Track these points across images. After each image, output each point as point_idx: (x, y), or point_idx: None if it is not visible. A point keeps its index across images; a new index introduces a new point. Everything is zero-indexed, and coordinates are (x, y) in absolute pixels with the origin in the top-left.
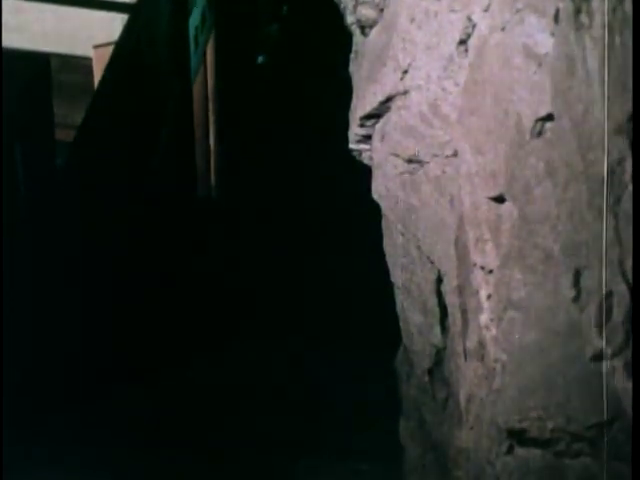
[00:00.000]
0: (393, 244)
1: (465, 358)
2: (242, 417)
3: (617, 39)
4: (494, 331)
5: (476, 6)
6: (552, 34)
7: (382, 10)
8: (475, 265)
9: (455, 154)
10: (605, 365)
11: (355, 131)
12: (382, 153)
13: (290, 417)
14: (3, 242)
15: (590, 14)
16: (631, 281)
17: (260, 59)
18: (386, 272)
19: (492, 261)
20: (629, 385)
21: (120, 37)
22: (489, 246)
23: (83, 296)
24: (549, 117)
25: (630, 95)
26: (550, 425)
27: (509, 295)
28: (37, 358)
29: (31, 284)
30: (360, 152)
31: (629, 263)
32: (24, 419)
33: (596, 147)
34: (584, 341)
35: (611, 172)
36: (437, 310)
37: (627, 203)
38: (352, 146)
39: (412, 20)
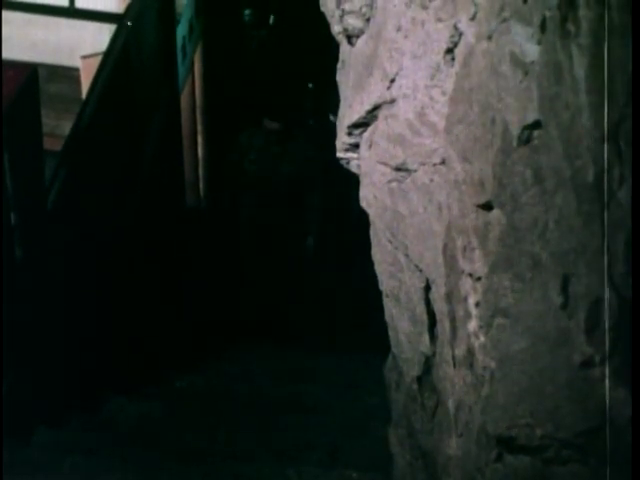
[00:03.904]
0: (381, 252)
1: (454, 365)
2: (231, 425)
3: (604, 47)
4: (483, 338)
5: (462, 15)
6: (539, 42)
7: (368, 19)
8: (463, 272)
9: (443, 162)
10: (594, 372)
11: (343, 140)
12: (370, 161)
13: (279, 424)
14: None
15: (576, 22)
16: (619, 287)
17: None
18: (375, 280)
19: (480, 268)
20: (618, 391)
21: (108, 47)
22: (477, 253)
23: (70, 305)
24: (536, 124)
25: (618, 102)
26: (539, 432)
27: (497, 302)
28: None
29: (19, 293)
30: (348, 160)
31: (617, 269)
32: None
33: (583, 154)
34: (573, 348)
35: (598, 179)
36: (426, 318)
37: (615, 210)
38: (340, 154)
39: (399, 29)
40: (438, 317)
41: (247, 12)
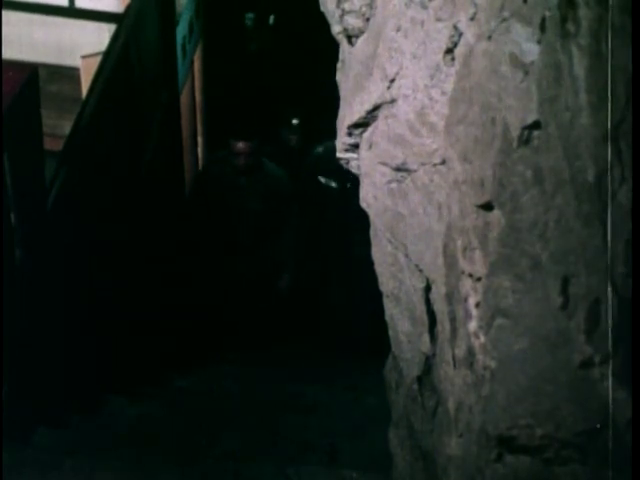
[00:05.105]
0: (381, 252)
1: (454, 366)
2: (231, 425)
3: (603, 47)
4: (483, 339)
5: (462, 15)
6: (538, 42)
7: (368, 19)
8: (463, 273)
9: (443, 162)
10: (594, 372)
11: (343, 140)
12: (370, 162)
13: (279, 424)
14: None
15: (576, 22)
16: (619, 288)
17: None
18: (375, 280)
19: (480, 269)
20: (618, 391)
21: (107, 47)
22: (477, 254)
23: (70, 305)
24: (536, 125)
25: (618, 102)
26: (539, 432)
27: (497, 303)
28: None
29: (19, 293)
30: (348, 161)
31: (617, 270)
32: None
33: (583, 155)
34: (573, 348)
35: (598, 179)
36: (426, 318)
37: (615, 210)
38: (340, 155)
39: (398, 29)
40: (438, 317)
41: (249, 16)
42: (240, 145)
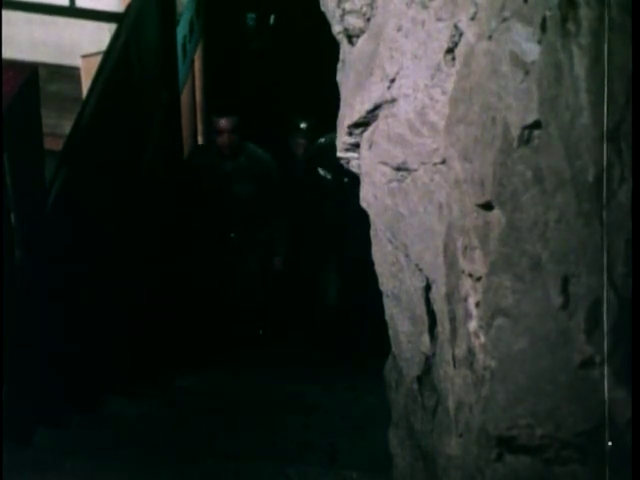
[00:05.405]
0: (382, 252)
1: (454, 365)
2: (231, 425)
3: (604, 46)
4: (483, 338)
5: (463, 15)
6: (539, 42)
7: (369, 19)
8: (464, 272)
9: (443, 162)
10: (594, 372)
11: (343, 140)
12: (370, 161)
13: (279, 424)
14: None
15: (577, 22)
16: (619, 288)
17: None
18: (374, 279)
19: (480, 268)
20: (618, 391)
21: (108, 47)
22: (477, 253)
23: (70, 306)
24: (536, 125)
25: (618, 102)
26: (539, 432)
27: (498, 302)
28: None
29: (19, 293)
30: (348, 160)
31: (617, 269)
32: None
33: (583, 154)
34: (573, 348)
35: (598, 179)
36: (426, 318)
37: (615, 210)
38: (340, 154)
39: (399, 29)
40: (438, 317)
41: (250, 16)
42: (222, 122)
